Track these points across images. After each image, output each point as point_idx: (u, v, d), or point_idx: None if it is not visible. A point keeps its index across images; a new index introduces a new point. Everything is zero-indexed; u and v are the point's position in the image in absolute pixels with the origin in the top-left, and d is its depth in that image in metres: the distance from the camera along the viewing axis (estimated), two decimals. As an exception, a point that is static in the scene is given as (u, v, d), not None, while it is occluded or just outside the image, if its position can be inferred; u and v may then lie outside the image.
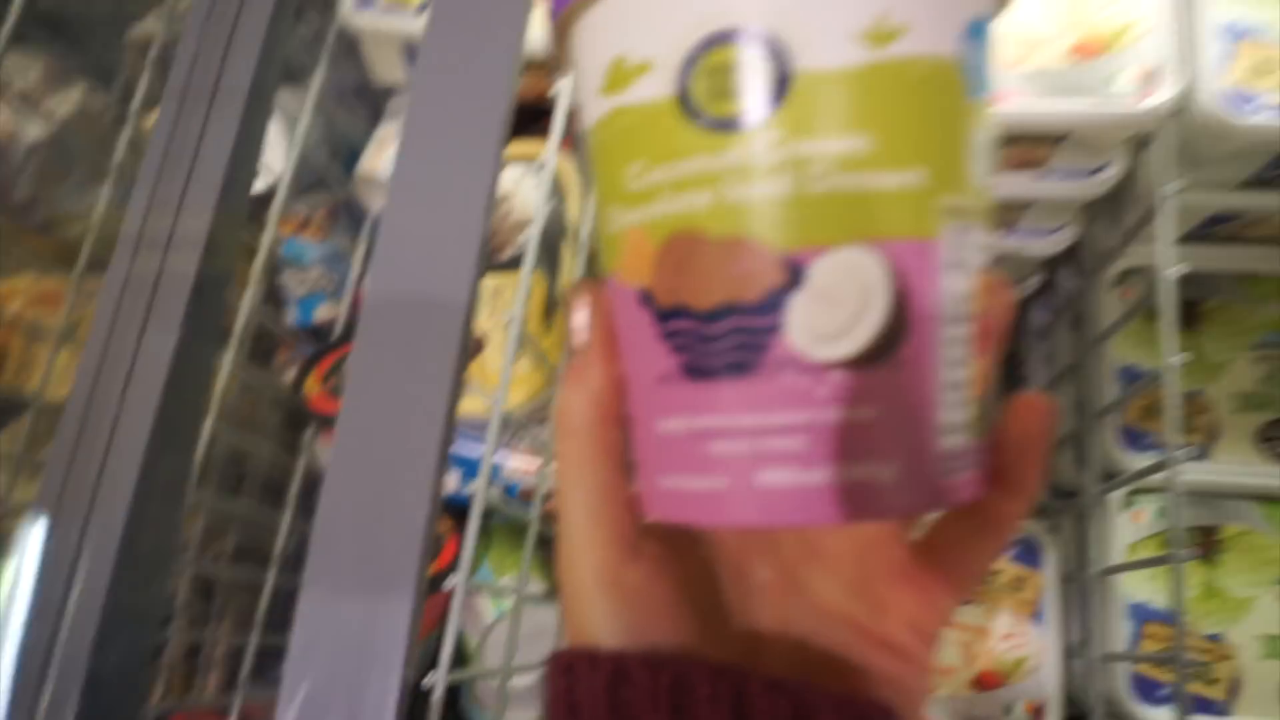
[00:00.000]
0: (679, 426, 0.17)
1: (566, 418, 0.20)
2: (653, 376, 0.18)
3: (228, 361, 0.58)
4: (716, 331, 0.17)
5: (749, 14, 0.16)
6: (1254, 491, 0.48)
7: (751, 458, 0.17)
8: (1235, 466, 0.48)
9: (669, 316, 0.17)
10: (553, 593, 0.59)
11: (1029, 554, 0.51)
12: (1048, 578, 0.51)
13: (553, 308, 0.59)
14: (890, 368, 0.16)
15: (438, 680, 0.38)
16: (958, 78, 0.17)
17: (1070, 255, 0.58)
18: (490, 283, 0.61)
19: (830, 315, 0.16)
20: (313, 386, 0.65)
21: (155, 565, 0.32)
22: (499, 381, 0.42)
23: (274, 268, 0.77)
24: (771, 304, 0.16)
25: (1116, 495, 0.48)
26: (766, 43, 0.16)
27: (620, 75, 0.17)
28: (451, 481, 0.64)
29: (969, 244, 0.17)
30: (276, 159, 0.67)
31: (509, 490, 0.63)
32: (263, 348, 0.81)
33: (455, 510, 0.65)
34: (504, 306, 0.61)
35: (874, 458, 0.16)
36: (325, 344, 0.69)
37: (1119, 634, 0.46)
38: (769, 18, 0.16)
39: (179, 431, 0.34)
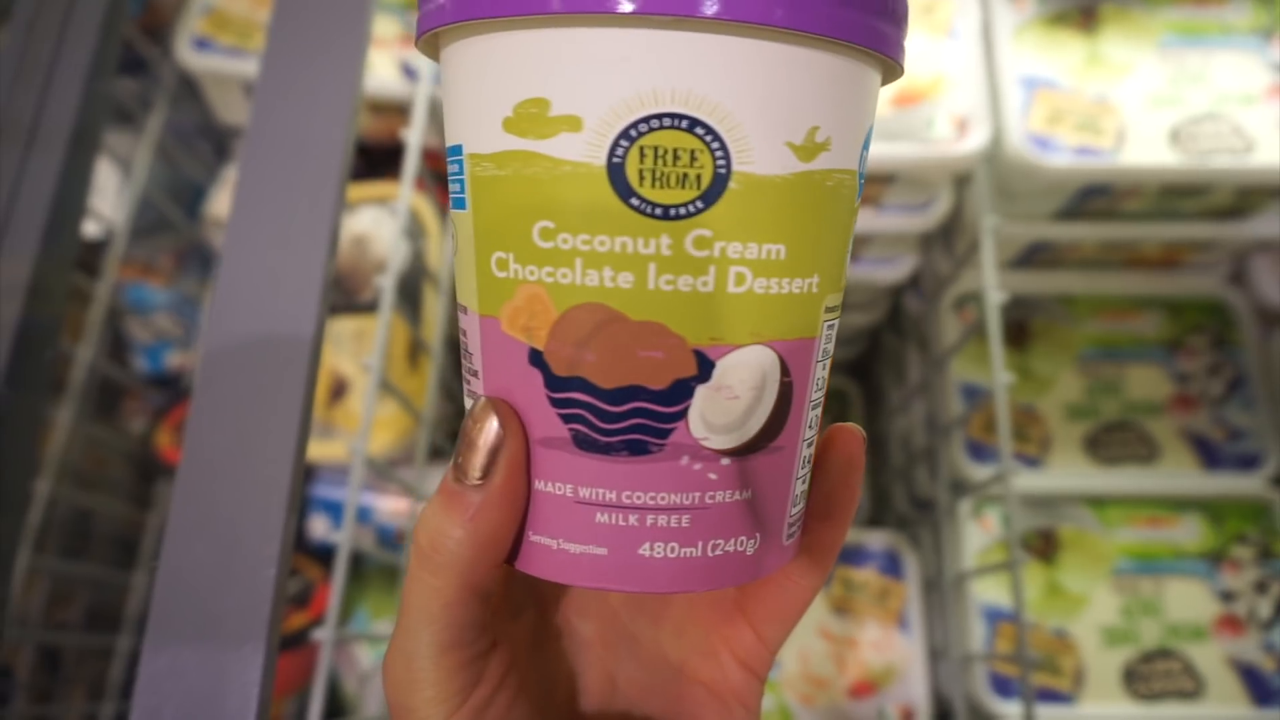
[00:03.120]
0: (561, 490, 0.17)
1: (438, 548, 0.17)
2: (535, 437, 0.17)
3: (67, 414, 0.54)
4: (617, 411, 0.17)
5: (702, 106, 0.15)
6: (1085, 494, 0.52)
7: (636, 531, 0.17)
8: (1067, 472, 0.52)
9: (564, 385, 0.17)
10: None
11: (892, 565, 0.54)
12: (910, 587, 0.53)
13: (416, 350, 0.58)
14: (768, 453, 0.18)
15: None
16: (854, 187, 0.18)
17: (913, 282, 0.62)
18: (352, 326, 0.60)
19: (728, 408, 0.17)
20: (164, 438, 0.62)
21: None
22: (362, 426, 0.41)
23: (115, 315, 0.73)
24: (678, 393, 0.17)
25: (966, 505, 0.52)
26: (715, 139, 0.16)
27: (539, 120, 0.16)
28: (321, 527, 0.62)
29: (833, 335, 0.19)
30: (110, 205, 0.64)
31: (383, 533, 0.62)
32: (108, 398, 0.76)
33: (326, 557, 0.63)
34: (367, 349, 0.59)
35: (743, 533, 0.18)
36: (176, 392, 0.65)
37: (975, 635, 0.49)
38: (717, 116, 0.15)
39: (4, 493, 0.32)
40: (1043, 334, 0.56)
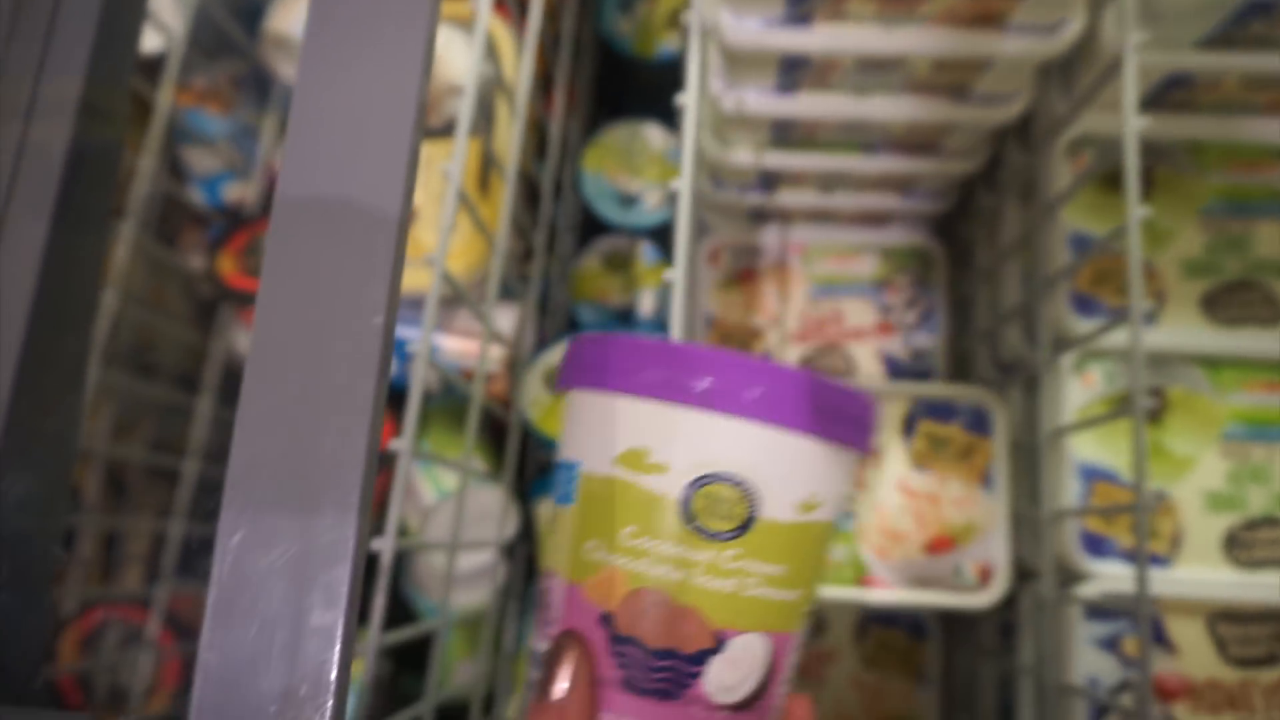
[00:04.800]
0: (609, 718, 0.23)
1: None
2: (597, 674, 0.24)
3: (127, 236, 0.53)
4: (657, 665, 0.23)
5: (745, 473, 0.23)
6: (1199, 355, 0.49)
7: None
8: (1181, 331, 0.49)
9: (622, 641, 0.23)
10: (495, 475, 0.57)
11: (979, 421, 0.51)
12: (997, 444, 0.51)
13: (487, 173, 0.55)
14: (752, 711, 0.24)
15: (385, 545, 0.36)
16: (832, 533, 0.25)
17: (1019, 130, 0.57)
18: (422, 152, 0.57)
19: (732, 673, 0.23)
20: (226, 264, 0.61)
21: (57, 444, 0.29)
22: (436, 265, 0.39)
23: (173, 140, 0.71)
24: (699, 658, 0.23)
25: (1068, 360, 0.48)
26: (750, 494, 0.23)
27: (640, 460, 0.23)
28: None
29: (806, 632, 0.26)
30: (168, 12, 0.60)
31: (448, 371, 0.61)
32: (167, 230, 0.75)
33: (392, 395, 0.62)
34: (435, 176, 0.57)
35: None
36: (236, 220, 0.64)
37: (1069, 493, 0.47)
38: (757, 479, 0.23)
39: (68, 313, 0.30)
40: (1165, 185, 0.51)
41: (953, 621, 0.64)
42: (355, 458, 0.20)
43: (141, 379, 0.68)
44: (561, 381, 0.26)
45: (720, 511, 0.23)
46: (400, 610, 0.64)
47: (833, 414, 0.23)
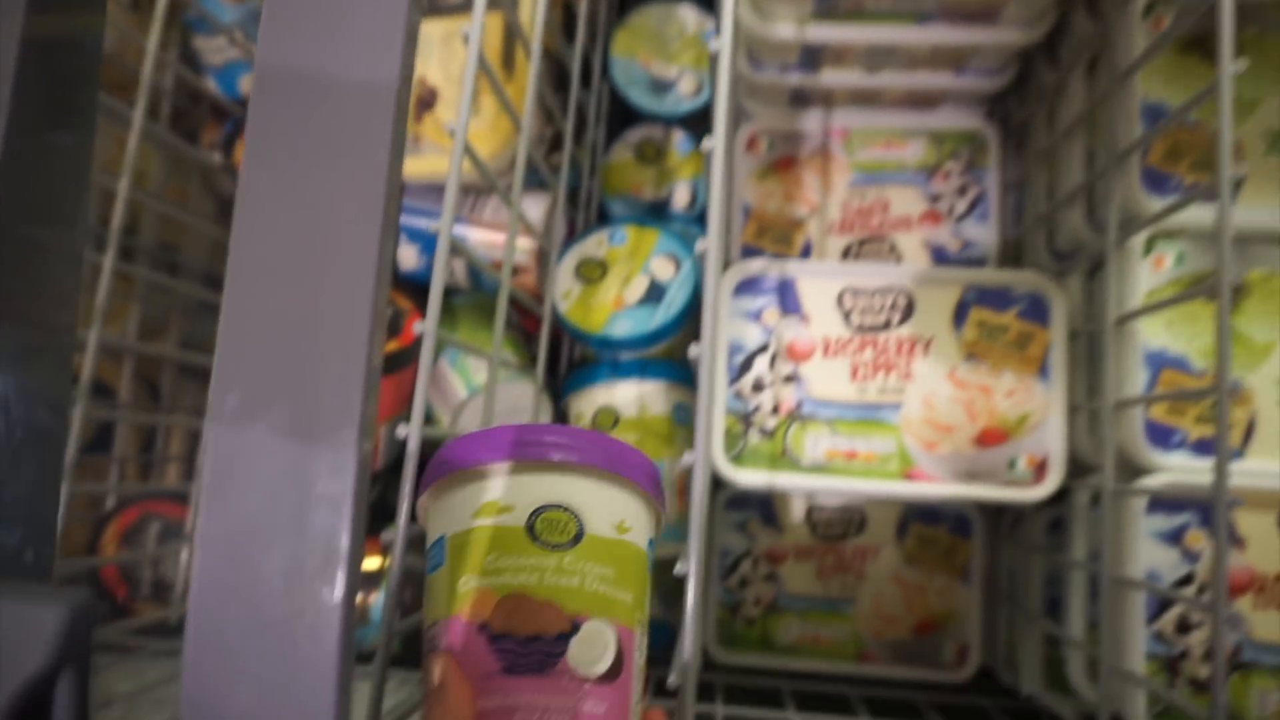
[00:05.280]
0: (494, 703, 0.28)
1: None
2: (479, 674, 0.29)
3: (136, 123, 0.51)
4: (528, 650, 0.29)
5: (572, 502, 0.30)
6: (1281, 233, 0.45)
7: None
8: (1262, 208, 0.45)
9: (499, 639, 0.29)
10: (526, 368, 0.55)
11: (1037, 309, 0.48)
12: (1055, 333, 0.48)
13: (512, 51, 0.52)
14: (612, 686, 0.29)
15: (411, 432, 0.35)
16: (646, 560, 0.32)
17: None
18: (439, 29, 0.54)
19: (589, 651, 0.29)
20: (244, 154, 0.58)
21: (51, 331, 0.27)
22: (456, 138, 0.36)
23: (186, 36, 0.68)
24: (561, 639, 0.29)
25: (1138, 241, 0.45)
26: (576, 516, 0.30)
27: (493, 508, 0.30)
28: (410, 257, 0.59)
29: (645, 644, 0.31)
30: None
31: (473, 266, 0.58)
32: (187, 126, 0.73)
33: (415, 288, 0.61)
34: (456, 55, 0.53)
35: None
36: (255, 107, 0.61)
37: (1136, 382, 0.44)
38: (577, 506, 0.30)
39: (48, 206, 0.27)
40: (1250, 49, 0.47)
41: (998, 518, 0.62)
42: (360, 310, 0.18)
43: (167, 275, 0.66)
44: (424, 486, 0.32)
45: (557, 529, 0.30)
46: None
47: (629, 467, 0.31)
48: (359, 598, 0.57)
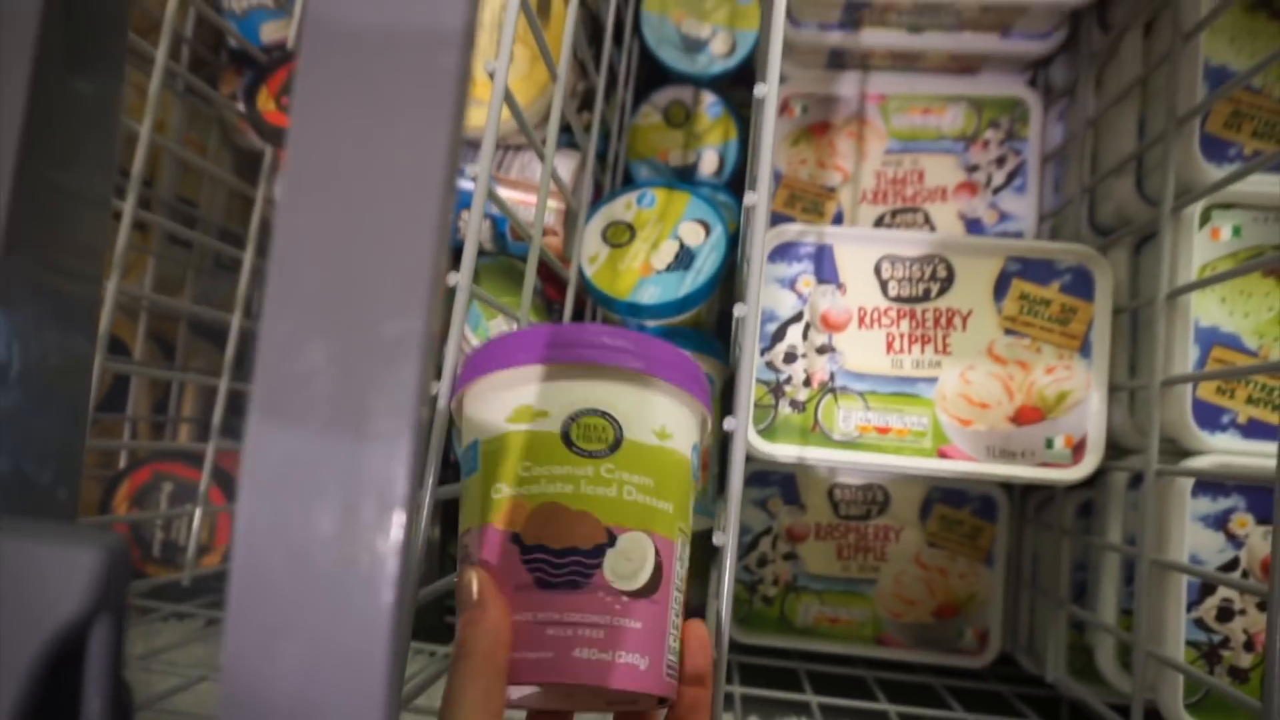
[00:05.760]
0: (526, 617, 0.27)
1: (469, 644, 0.26)
2: (511, 586, 0.28)
3: (159, 65, 0.49)
4: (562, 563, 0.28)
5: (611, 406, 0.29)
6: (1343, 208, 0.43)
7: (572, 640, 0.27)
8: (1327, 180, 0.43)
9: (531, 550, 0.28)
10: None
11: (1081, 284, 0.47)
12: (1099, 308, 0.46)
13: (548, 1, 0.50)
14: (650, 601, 0.28)
15: (440, 390, 0.34)
16: (688, 467, 0.31)
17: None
18: (472, -25, 0.52)
19: (626, 564, 0.28)
20: (267, 102, 0.57)
21: (75, 274, 0.26)
22: (497, 76, 0.34)
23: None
24: (597, 552, 0.28)
25: (1194, 212, 0.43)
26: (614, 422, 0.29)
27: (526, 413, 0.29)
28: (433, 215, 0.57)
29: (685, 554, 0.31)
30: None
31: (499, 223, 0.57)
32: (205, 76, 0.71)
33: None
34: (490, 1, 0.51)
35: (637, 651, 0.28)
36: (278, 55, 0.59)
37: (1185, 359, 0.42)
38: (619, 411, 0.29)
39: (77, 150, 0.26)
40: (1318, 13, 0.45)
41: (1024, 500, 0.61)
42: (426, 226, 0.16)
43: (184, 227, 0.65)
44: (459, 386, 0.31)
45: (594, 436, 0.28)
46: (453, 474, 0.63)
47: (671, 369, 0.30)
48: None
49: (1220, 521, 0.42)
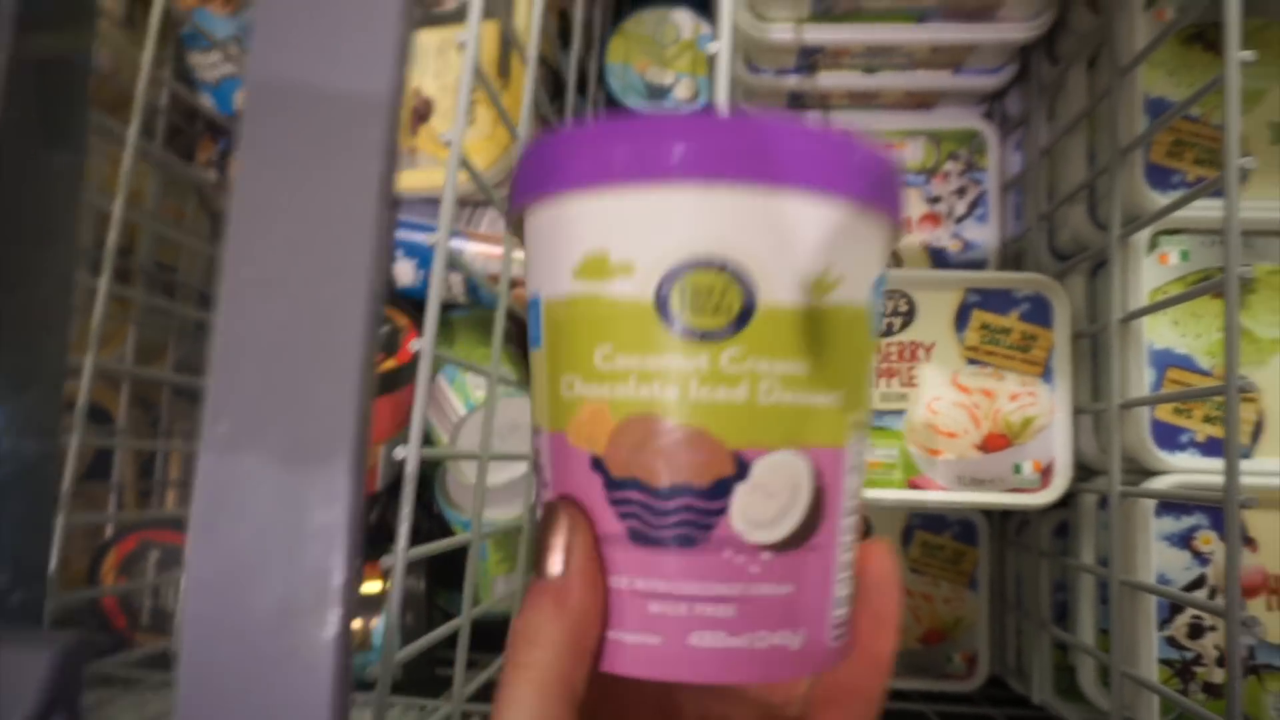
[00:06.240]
0: (619, 583, 0.20)
1: (534, 640, 0.19)
2: (596, 533, 0.20)
3: (131, 142, 0.50)
4: (667, 507, 0.19)
5: (731, 249, 0.19)
6: (1286, 227, 0.44)
7: (687, 620, 0.19)
8: (1270, 202, 0.44)
9: (620, 485, 0.19)
10: (525, 385, 0.55)
11: (1040, 311, 0.48)
12: (1059, 334, 0.47)
13: (507, 60, 0.52)
14: (806, 550, 0.20)
15: (409, 454, 0.34)
16: (867, 321, 0.21)
17: (1089, -16, 0.51)
18: (434, 39, 0.53)
19: (765, 505, 0.19)
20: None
21: (42, 357, 0.27)
22: (453, 146, 0.36)
23: (181, 45, 0.68)
24: (719, 490, 0.19)
25: (1142, 239, 0.45)
26: (740, 277, 0.19)
27: (600, 266, 0.19)
28: (407, 272, 0.58)
29: (863, 450, 0.21)
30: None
31: (471, 280, 0.58)
32: (183, 145, 0.72)
33: (412, 304, 0.60)
34: (451, 66, 0.53)
35: (786, 626, 0.20)
36: (248, 124, 0.60)
37: (1141, 382, 0.43)
38: (745, 256, 0.19)
39: (38, 227, 0.27)
40: (1254, 39, 0.46)
41: (1004, 523, 0.62)
42: (352, 332, 0.17)
43: (164, 297, 0.66)
44: (512, 206, 0.21)
45: (708, 305, 0.19)
46: (437, 528, 0.63)
47: (837, 166, 0.19)
48: (359, 623, 0.57)
49: (1185, 540, 0.43)
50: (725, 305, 0.19)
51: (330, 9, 0.20)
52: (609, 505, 0.19)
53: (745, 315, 0.19)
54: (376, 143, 0.20)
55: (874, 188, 0.20)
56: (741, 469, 0.19)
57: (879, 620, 0.22)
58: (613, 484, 0.19)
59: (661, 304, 0.19)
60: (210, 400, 0.17)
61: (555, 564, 0.19)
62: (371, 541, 0.62)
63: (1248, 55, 0.32)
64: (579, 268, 0.19)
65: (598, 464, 0.20)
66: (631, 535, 0.19)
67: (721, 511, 0.19)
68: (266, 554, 0.16)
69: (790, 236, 0.19)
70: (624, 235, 0.19)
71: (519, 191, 0.21)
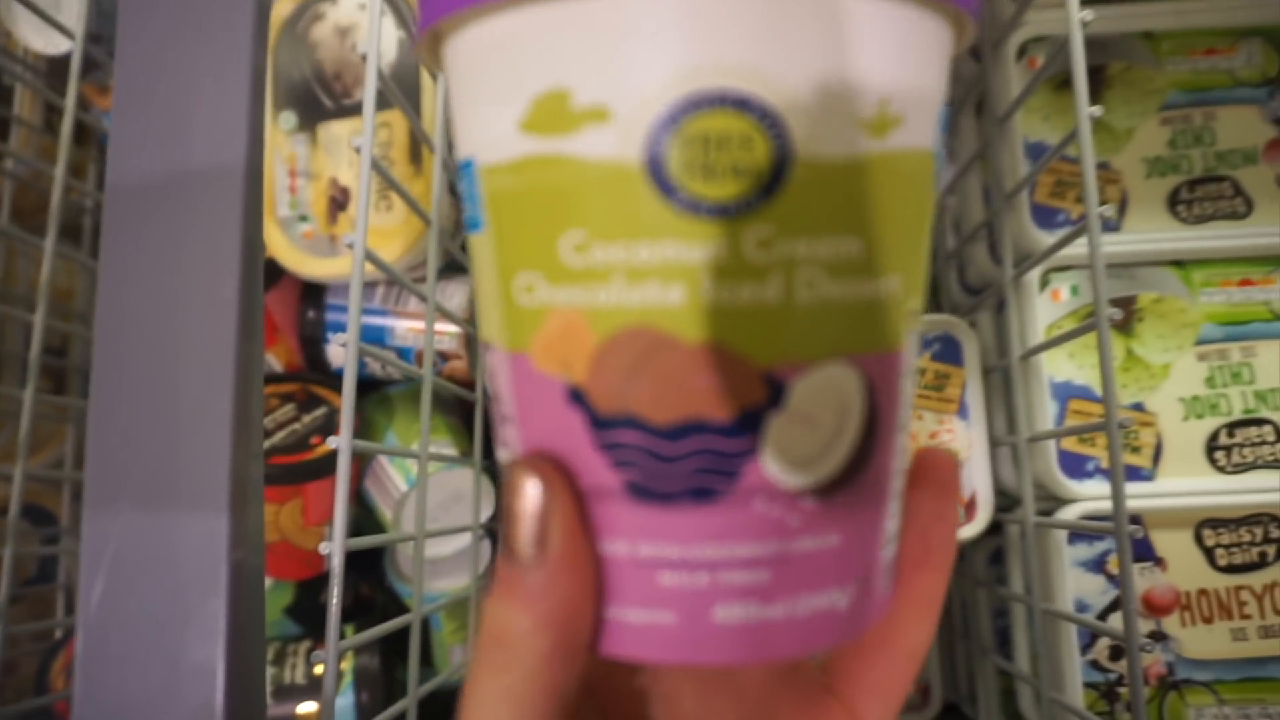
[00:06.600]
0: (616, 550, 0.15)
1: (504, 641, 0.14)
2: (582, 489, 0.15)
3: (48, 251, 0.51)
4: (676, 451, 0.14)
5: (752, 78, 0.13)
6: (1168, 257, 0.47)
7: (709, 592, 0.15)
8: (1147, 234, 0.47)
9: (611, 425, 0.14)
10: (467, 456, 0.55)
11: (950, 351, 0.50)
12: (969, 372, 0.49)
13: (418, 149, 0.53)
14: (855, 488, 0.15)
15: (334, 549, 0.35)
16: (933, 168, 0.16)
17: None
18: (347, 129, 0.55)
19: (808, 439, 0.14)
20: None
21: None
22: (373, 237, 0.37)
23: (100, 150, 0.68)
24: (747, 424, 0.14)
25: (1034, 276, 0.47)
26: (768, 119, 0.13)
27: (559, 114, 0.13)
28: (340, 353, 0.59)
29: (917, 345, 0.17)
30: (73, 16, 0.57)
31: (403, 355, 0.59)
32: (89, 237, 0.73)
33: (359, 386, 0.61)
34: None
35: (833, 585, 0.15)
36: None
37: (1045, 415, 0.45)
38: (771, 90, 0.13)
39: None
40: (1119, 81, 0.49)
41: (947, 552, 0.63)
42: (218, 473, 0.18)
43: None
44: (419, 27, 0.15)
45: (723, 163, 0.13)
46: (391, 601, 0.64)
47: None
48: (314, 707, 0.57)
49: (1099, 564, 0.45)
50: (748, 163, 0.13)
51: (186, 92, 0.22)
52: (597, 451, 0.14)
53: (777, 176, 0.13)
54: (233, 226, 0.21)
55: None
56: (775, 394, 0.14)
57: (928, 548, 0.17)
58: (600, 423, 0.14)
59: (654, 166, 0.13)
60: (86, 548, 0.18)
61: (526, 544, 0.14)
62: (322, 622, 0.62)
63: (1096, 110, 0.34)
64: (528, 117, 0.14)
65: (577, 396, 0.14)
66: (630, 489, 0.14)
67: (750, 452, 0.14)
68: (148, 697, 0.17)
69: (839, 55, 0.13)
70: (592, 64, 0.13)
71: (427, 5, 0.15)
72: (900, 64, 0.14)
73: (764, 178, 0.13)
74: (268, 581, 0.57)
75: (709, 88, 0.13)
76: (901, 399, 0.16)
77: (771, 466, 0.14)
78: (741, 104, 0.13)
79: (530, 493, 0.14)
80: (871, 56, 0.13)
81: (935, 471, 0.18)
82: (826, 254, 0.14)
